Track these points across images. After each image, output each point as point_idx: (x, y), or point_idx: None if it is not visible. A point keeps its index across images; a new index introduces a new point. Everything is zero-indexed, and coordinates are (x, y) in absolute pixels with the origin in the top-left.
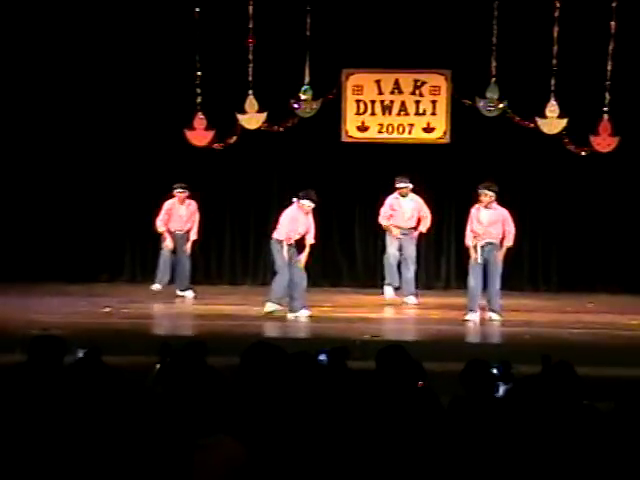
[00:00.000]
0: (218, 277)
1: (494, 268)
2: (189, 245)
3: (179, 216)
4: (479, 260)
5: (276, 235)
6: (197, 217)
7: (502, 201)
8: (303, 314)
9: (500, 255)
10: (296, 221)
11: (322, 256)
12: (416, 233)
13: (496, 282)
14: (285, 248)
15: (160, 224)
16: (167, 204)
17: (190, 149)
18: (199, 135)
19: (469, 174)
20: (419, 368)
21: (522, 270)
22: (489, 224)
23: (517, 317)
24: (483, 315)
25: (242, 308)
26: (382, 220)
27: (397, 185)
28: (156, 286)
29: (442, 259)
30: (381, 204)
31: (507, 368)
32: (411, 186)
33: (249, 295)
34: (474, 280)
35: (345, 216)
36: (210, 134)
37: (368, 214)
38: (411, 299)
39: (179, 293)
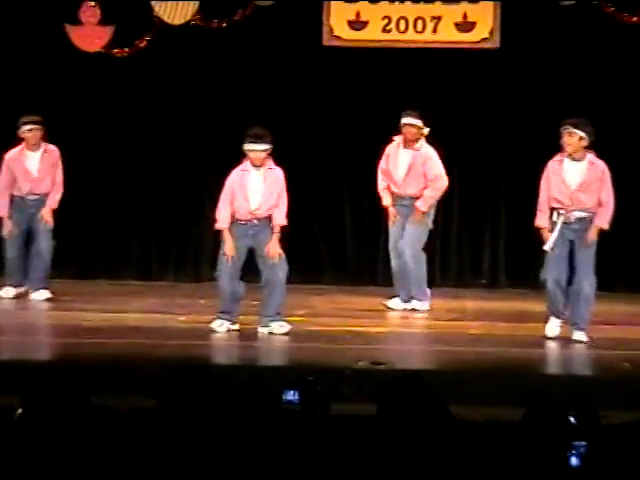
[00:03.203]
0: (118, 269)
1: (583, 259)
2: (49, 216)
3: (26, 171)
4: (558, 248)
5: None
6: (60, 174)
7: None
8: (279, 328)
9: (591, 237)
10: (244, 187)
11: (295, 242)
12: (421, 206)
13: (585, 282)
14: (228, 240)
15: None
16: (7, 156)
17: (72, 55)
18: (89, 33)
19: (533, 105)
20: (446, 415)
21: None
22: (580, 187)
23: (609, 333)
24: (566, 333)
25: (158, 317)
26: (380, 189)
27: (402, 123)
28: (5, 290)
29: (484, 244)
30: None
31: (591, 414)
32: (425, 130)
33: (176, 296)
34: (552, 280)
35: (329, 180)
36: (107, 32)
37: (365, 176)
38: (420, 303)
39: (33, 295)
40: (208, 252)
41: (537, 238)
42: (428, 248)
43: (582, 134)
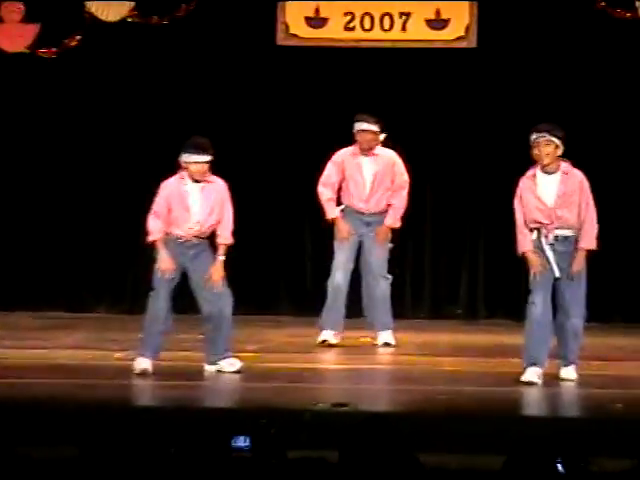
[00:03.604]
0: (43, 299)
1: (572, 287)
2: None
3: None
4: (548, 271)
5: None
6: None
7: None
8: (228, 366)
9: (579, 261)
10: (182, 199)
11: (245, 267)
12: (394, 222)
13: (575, 310)
14: (162, 252)
15: None
16: None
17: None
18: (11, 32)
19: (515, 113)
20: (416, 464)
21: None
22: (558, 203)
23: (602, 369)
24: (553, 369)
25: (89, 354)
26: (324, 200)
27: (356, 129)
28: None
29: (460, 270)
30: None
31: (580, 460)
32: (380, 136)
33: (110, 330)
34: (540, 308)
35: (284, 195)
36: (32, 31)
37: None
38: (387, 336)
39: None
40: (147, 280)
41: (520, 263)
42: (397, 275)
43: (558, 142)
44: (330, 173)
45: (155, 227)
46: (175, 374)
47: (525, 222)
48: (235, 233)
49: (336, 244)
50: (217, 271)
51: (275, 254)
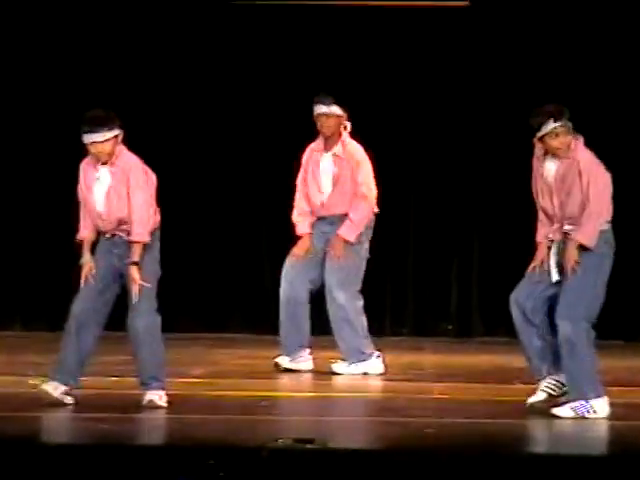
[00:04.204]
0: None
1: (566, 289)
2: None
3: None
4: (554, 276)
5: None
6: None
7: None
8: (158, 399)
9: (569, 253)
10: (89, 186)
11: (189, 277)
12: (348, 235)
13: (562, 310)
14: (84, 253)
15: None
16: None
17: None
18: None
19: (515, 87)
20: None
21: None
22: (557, 186)
23: (622, 397)
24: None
25: (1, 380)
26: (295, 216)
27: (315, 113)
28: None
29: (451, 280)
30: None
31: None
32: (347, 124)
33: (27, 351)
34: (515, 311)
35: (238, 187)
36: None
37: (290, 189)
38: (339, 367)
39: None
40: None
41: (524, 267)
42: (376, 285)
43: (569, 123)
44: (300, 179)
45: (81, 222)
46: (102, 405)
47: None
48: (174, 237)
49: (296, 255)
50: (132, 280)
51: (227, 262)
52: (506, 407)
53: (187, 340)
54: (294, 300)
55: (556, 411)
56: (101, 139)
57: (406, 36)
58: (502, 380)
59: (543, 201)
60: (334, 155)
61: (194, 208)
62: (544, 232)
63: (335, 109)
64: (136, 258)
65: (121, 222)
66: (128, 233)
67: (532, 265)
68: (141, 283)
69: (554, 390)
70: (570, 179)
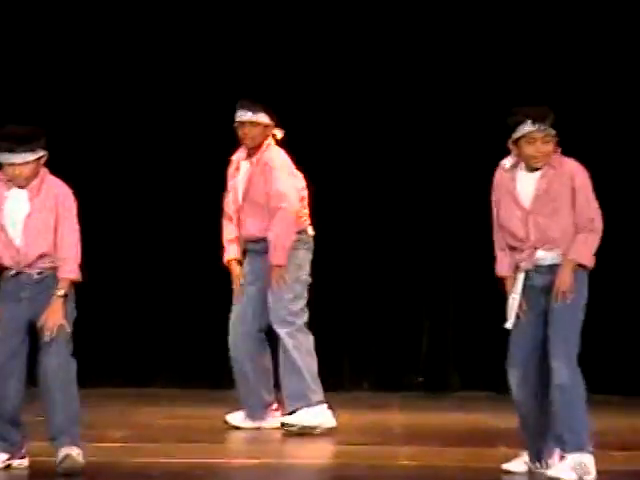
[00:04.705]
0: None
1: (555, 312)
2: None
3: None
4: (510, 321)
5: None
6: None
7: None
8: (74, 456)
9: (564, 277)
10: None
11: (108, 321)
12: (279, 259)
13: (557, 349)
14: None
15: None
16: None
17: None
18: None
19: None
20: None
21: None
22: (536, 204)
23: (630, 462)
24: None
25: None
26: (225, 240)
27: (236, 120)
28: None
29: (421, 321)
30: None
31: None
32: (277, 131)
33: None
34: (517, 369)
35: (167, 206)
36: None
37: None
38: (298, 417)
39: None
40: None
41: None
42: (324, 326)
43: (553, 131)
44: (225, 200)
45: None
46: (17, 475)
47: (499, 231)
48: (89, 268)
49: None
50: (52, 314)
51: (153, 305)
52: (488, 476)
53: (106, 396)
54: (243, 352)
55: (556, 473)
56: (20, 161)
57: (382, 37)
58: (483, 443)
59: (510, 223)
60: (250, 162)
61: (119, 252)
62: (508, 263)
63: (258, 116)
64: (65, 291)
65: (42, 257)
66: (52, 269)
67: (510, 319)
68: (62, 323)
69: (537, 468)
70: (558, 196)
